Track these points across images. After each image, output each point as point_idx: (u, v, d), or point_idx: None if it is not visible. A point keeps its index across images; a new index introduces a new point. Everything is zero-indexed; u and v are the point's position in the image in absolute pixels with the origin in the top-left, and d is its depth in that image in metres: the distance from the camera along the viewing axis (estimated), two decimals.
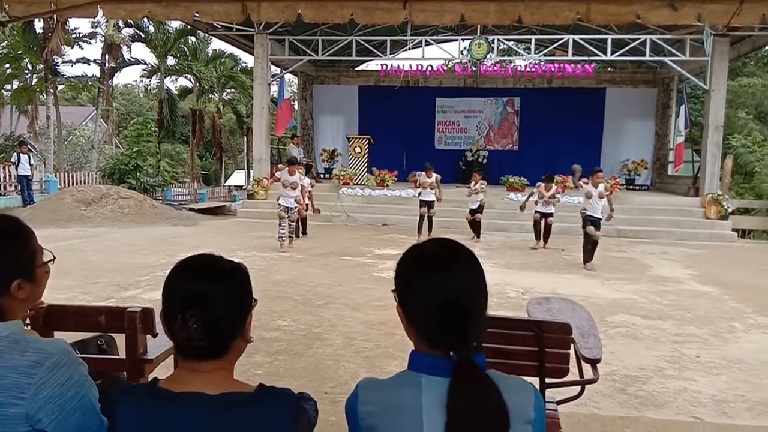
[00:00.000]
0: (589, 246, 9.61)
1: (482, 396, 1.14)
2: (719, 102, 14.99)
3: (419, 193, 12.42)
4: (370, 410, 1.20)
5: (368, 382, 1.26)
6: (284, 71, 18.24)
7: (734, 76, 22.22)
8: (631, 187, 18.76)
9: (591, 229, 9.50)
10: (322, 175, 20.12)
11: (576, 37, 15.66)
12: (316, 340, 5.36)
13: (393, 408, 1.19)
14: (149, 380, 1.29)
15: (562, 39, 16.14)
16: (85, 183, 20.16)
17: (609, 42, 15.41)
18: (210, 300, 1.22)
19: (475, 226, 12.14)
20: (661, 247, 12.39)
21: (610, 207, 9.98)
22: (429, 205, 12.16)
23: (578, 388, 2.81)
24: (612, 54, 15.58)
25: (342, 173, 16.90)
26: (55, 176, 20.25)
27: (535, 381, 2.51)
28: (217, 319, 1.22)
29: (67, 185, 19.55)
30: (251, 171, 18.80)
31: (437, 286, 1.21)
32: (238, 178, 31.28)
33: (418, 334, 1.25)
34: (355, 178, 16.76)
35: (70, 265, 8.37)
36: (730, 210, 14.42)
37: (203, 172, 35.53)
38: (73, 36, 25.76)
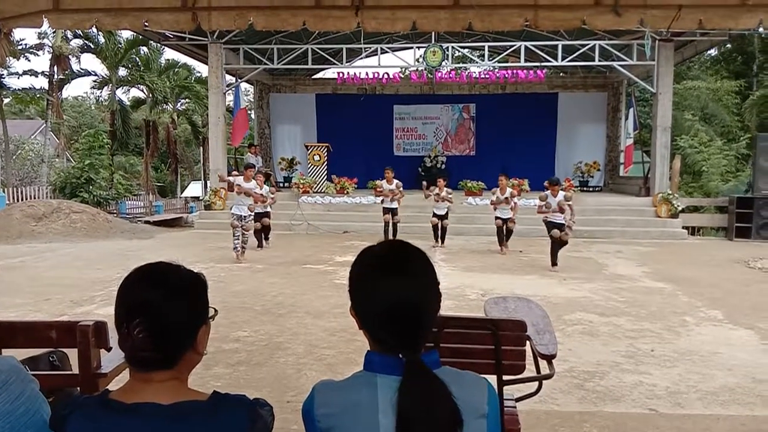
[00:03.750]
0: (557, 247, 9.84)
1: (430, 396, 1.15)
2: (666, 104, 15.50)
3: (381, 200, 12.48)
4: (327, 412, 1.20)
5: (324, 385, 1.26)
6: (239, 80, 18.08)
7: (680, 80, 23.00)
8: (585, 188, 19.22)
9: (555, 232, 9.77)
10: (281, 184, 19.98)
11: (528, 43, 16.01)
12: (278, 350, 5.32)
13: (349, 409, 1.19)
14: (100, 392, 1.26)
15: (514, 46, 16.47)
16: (35, 198, 19.53)
17: (560, 48, 15.80)
18: (156, 310, 1.20)
19: (442, 232, 12.20)
20: (615, 246, 12.72)
21: (571, 214, 10.10)
22: (392, 211, 12.28)
23: (536, 384, 2.86)
24: (563, 60, 15.97)
25: (301, 182, 16.81)
26: (3, 191, 19.58)
27: (492, 378, 2.55)
28: (163, 329, 1.20)
29: (15, 200, 18.91)
30: (208, 182, 18.54)
31: (385, 289, 1.22)
32: (194, 189, 30.84)
33: (371, 337, 1.26)
34: (314, 186, 16.70)
35: (20, 283, 8.11)
36: (680, 208, 14.90)
37: (159, 183, 34.82)
38: (19, 47, 24.98)
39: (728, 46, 24.58)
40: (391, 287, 1.22)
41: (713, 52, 25.76)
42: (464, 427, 1.15)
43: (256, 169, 11.93)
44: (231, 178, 11.00)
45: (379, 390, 1.19)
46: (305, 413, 1.25)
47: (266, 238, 12.14)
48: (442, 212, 12.09)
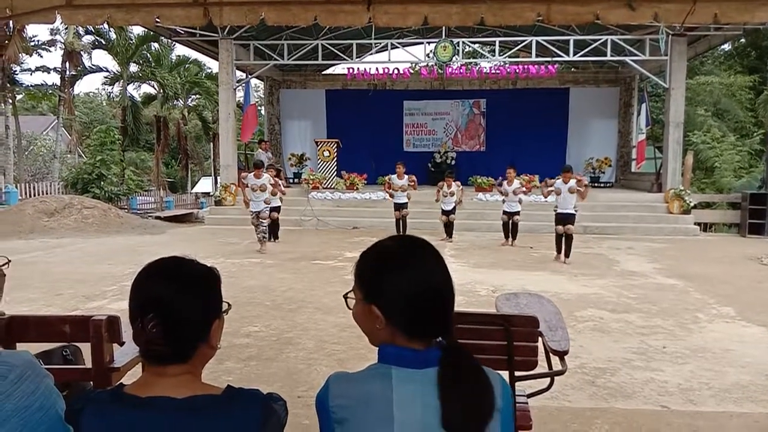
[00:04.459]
0: (562, 240, 9.96)
1: (475, 378, 1.20)
2: (679, 100, 15.37)
3: (392, 195, 12.52)
4: (341, 403, 1.21)
5: (339, 376, 1.26)
6: (250, 76, 18.09)
7: (693, 75, 22.80)
8: (596, 184, 19.06)
9: (559, 228, 10.01)
10: (291, 180, 20.01)
11: (539, 38, 15.91)
12: (288, 345, 5.34)
13: (364, 400, 1.20)
14: (114, 386, 1.26)
15: (525, 41, 16.37)
16: (47, 193, 19.69)
17: (571, 43, 15.69)
18: (169, 304, 1.20)
19: (449, 227, 12.27)
20: (626, 242, 12.64)
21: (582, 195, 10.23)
22: (402, 206, 12.30)
23: (548, 380, 2.84)
24: (574, 54, 15.85)
25: (311, 177, 16.84)
26: (16, 187, 19.74)
27: (504, 374, 2.54)
28: (176, 323, 1.20)
29: (28, 196, 19.08)
30: (218, 177, 18.61)
31: (417, 277, 1.25)
32: (205, 184, 30.96)
33: (397, 327, 1.25)
34: (324, 182, 16.72)
35: (33, 277, 8.17)
36: (692, 204, 14.79)
37: (169, 179, 35.00)
38: (32, 44, 25.14)
39: (742, 40, 24.28)
40: (421, 276, 1.26)
41: (727, 46, 25.44)
42: None
43: (266, 164, 12.25)
44: (245, 181, 11.27)
45: (394, 382, 1.20)
46: (319, 403, 1.25)
47: (275, 235, 12.17)
48: (449, 207, 12.13)
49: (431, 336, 1.26)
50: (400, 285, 1.25)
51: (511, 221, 11.62)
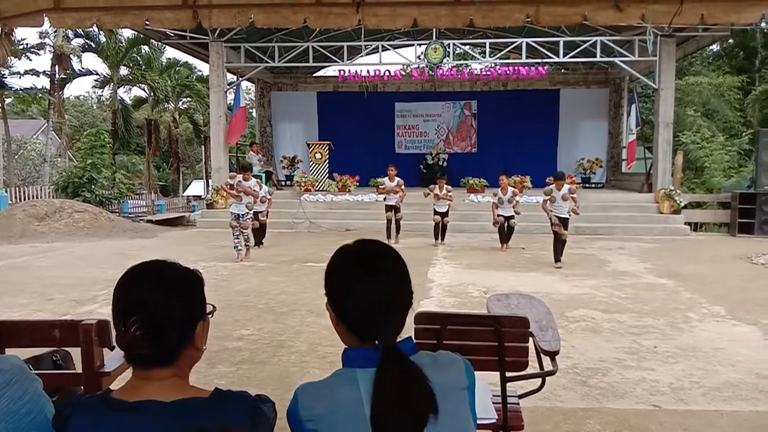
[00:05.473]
0: (559, 245, 9.89)
1: (404, 379, 1.20)
2: (668, 100, 15.47)
3: (384, 198, 12.48)
4: (312, 413, 1.23)
5: (306, 387, 1.28)
6: (241, 78, 18.06)
7: (682, 75, 22.93)
8: (587, 185, 19.18)
9: (555, 223, 9.89)
10: (283, 182, 19.98)
11: (529, 40, 15.97)
12: (281, 348, 5.33)
13: (334, 406, 1.22)
14: (102, 391, 1.26)
15: (515, 42, 16.43)
16: (37, 197, 19.55)
17: (561, 44, 15.76)
18: (151, 306, 1.20)
19: (443, 229, 12.21)
20: (617, 242, 12.70)
21: (575, 203, 10.20)
22: (394, 209, 12.21)
23: (539, 381, 2.85)
24: (564, 56, 15.92)
25: (303, 180, 16.82)
26: (5, 191, 19.60)
27: (495, 375, 2.55)
28: (159, 326, 1.20)
29: (18, 200, 18.94)
30: (210, 180, 18.55)
31: (361, 287, 1.28)
32: (196, 188, 30.78)
33: (348, 330, 1.30)
34: (316, 184, 16.70)
35: (24, 282, 8.12)
36: (682, 204, 14.88)
37: (161, 183, 34.82)
38: (21, 47, 24.98)
39: (730, 41, 24.49)
40: (367, 286, 1.28)
41: (715, 47, 25.69)
42: (448, 400, 1.22)
43: (251, 167, 12.14)
44: (232, 182, 10.95)
45: (360, 383, 1.23)
46: (290, 417, 1.26)
47: (259, 241, 11.91)
48: (443, 209, 12.08)
49: (374, 341, 1.28)
50: (350, 293, 1.29)
51: (507, 224, 11.58)
